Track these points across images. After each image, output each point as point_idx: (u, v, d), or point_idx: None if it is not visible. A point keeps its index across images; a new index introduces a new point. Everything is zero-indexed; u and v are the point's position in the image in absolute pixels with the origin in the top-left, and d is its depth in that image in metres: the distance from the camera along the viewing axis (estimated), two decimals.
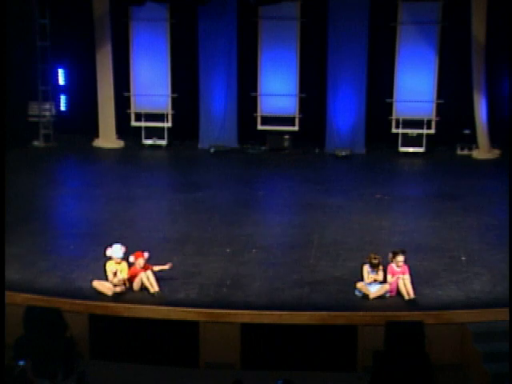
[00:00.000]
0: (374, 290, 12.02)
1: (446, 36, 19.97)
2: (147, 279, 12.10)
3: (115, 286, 12.09)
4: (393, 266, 12.12)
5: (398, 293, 12.01)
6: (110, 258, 12.28)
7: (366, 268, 12.17)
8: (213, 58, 20.55)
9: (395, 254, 12.12)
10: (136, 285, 12.19)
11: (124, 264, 12.23)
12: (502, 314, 11.34)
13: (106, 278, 12.22)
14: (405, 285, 11.93)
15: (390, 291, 12.06)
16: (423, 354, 11.20)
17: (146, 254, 12.29)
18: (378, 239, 14.30)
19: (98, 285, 12.17)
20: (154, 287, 12.08)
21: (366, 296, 12.00)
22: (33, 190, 17.37)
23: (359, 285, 12.08)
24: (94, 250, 13.56)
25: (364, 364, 11.49)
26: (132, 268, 12.23)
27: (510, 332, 10.84)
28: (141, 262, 12.19)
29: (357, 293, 12.12)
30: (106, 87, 20.85)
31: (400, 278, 11.96)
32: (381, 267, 12.16)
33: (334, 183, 18.10)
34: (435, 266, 13.11)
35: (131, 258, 12.23)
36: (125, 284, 12.18)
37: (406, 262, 12.15)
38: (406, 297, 11.88)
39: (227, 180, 18.49)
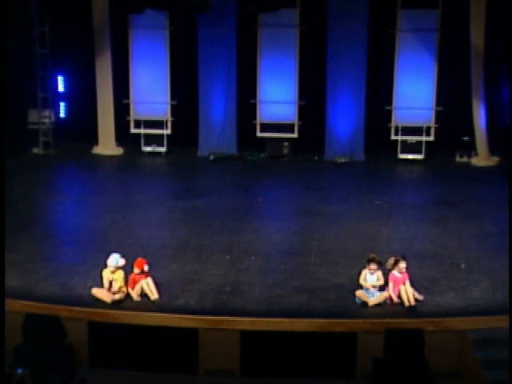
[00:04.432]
0: (373, 298, 12.02)
1: (445, 43, 20.00)
2: (147, 286, 12.10)
3: (114, 293, 12.08)
4: (394, 273, 12.10)
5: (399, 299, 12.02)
6: (107, 266, 12.27)
7: (365, 273, 12.17)
8: (212, 66, 20.59)
9: (397, 261, 12.11)
10: (136, 292, 12.16)
11: (119, 273, 12.18)
12: (501, 322, 11.34)
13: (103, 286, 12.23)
14: (406, 291, 11.91)
15: (389, 299, 12.05)
16: (423, 362, 11.16)
17: (146, 268, 12.26)
18: (377, 246, 14.27)
19: (97, 292, 12.15)
20: (153, 294, 12.07)
21: (365, 304, 12.00)
22: (32, 196, 17.37)
23: (359, 292, 12.07)
24: (93, 257, 13.55)
25: (363, 371, 11.47)
26: (132, 275, 12.21)
27: (509, 339, 10.82)
28: (136, 270, 12.18)
29: (357, 301, 12.10)
30: (105, 94, 20.87)
31: (401, 286, 11.96)
32: (380, 272, 12.15)
33: (333, 190, 18.11)
34: (435, 273, 13.10)
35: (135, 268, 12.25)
36: (123, 291, 12.16)
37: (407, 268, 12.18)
38: (407, 303, 11.87)
39: (226, 187, 18.50)
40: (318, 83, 20.58)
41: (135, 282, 12.17)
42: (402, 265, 12.06)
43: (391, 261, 12.17)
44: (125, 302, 12.09)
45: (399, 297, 12.01)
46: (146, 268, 12.22)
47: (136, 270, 12.18)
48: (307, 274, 13.22)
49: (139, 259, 12.29)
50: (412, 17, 19.98)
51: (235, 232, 15.18)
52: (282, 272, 13.28)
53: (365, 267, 12.22)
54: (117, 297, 12.06)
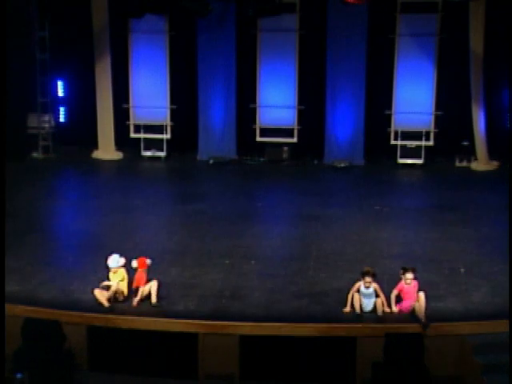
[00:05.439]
0: (369, 307, 11.92)
1: (445, 48, 20.04)
2: (151, 288, 12.07)
3: (115, 293, 12.05)
4: (403, 282, 12.00)
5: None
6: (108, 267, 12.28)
7: (358, 285, 11.98)
8: (212, 70, 20.62)
9: (405, 271, 11.95)
10: (138, 296, 12.11)
11: (120, 272, 12.19)
12: (501, 326, 11.33)
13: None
14: (420, 308, 11.72)
15: (388, 307, 11.96)
16: (422, 366, 11.16)
17: (149, 261, 12.25)
18: (376, 251, 14.29)
19: (99, 294, 12.08)
20: (154, 298, 12.03)
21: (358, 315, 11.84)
22: (32, 201, 17.38)
23: (356, 297, 11.93)
24: (92, 262, 13.54)
25: (363, 376, 11.45)
26: (137, 274, 12.18)
27: (509, 344, 10.81)
28: (141, 269, 12.16)
29: None
30: (105, 99, 20.90)
31: (416, 303, 11.77)
32: (376, 284, 12.01)
33: (332, 195, 18.11)
34: (434, 278, 13.08)
35: (134, 264, 12.21)
36: (123, 292, 12.14)
37: (415, 278, 11.96)
38: (423, 320, 11.56)
39: (226, 191, 18.51)
40: (317, 88, 20.62)
41: (141, 280, 12.11)
42: (408, 275, 11.84)
43: (401, 270, 12.07)
44: (124, 306, 12.07)
45: (413, 311, 11.86)
46: (148, 262, 12.19)
47: (141, 269, 12.16)
48: (307, 278, 13.21)
49: (140, 258, 12.25)
50: (411, 21, 20.01)
51: (235, 236, 15.18)
52: (282, 276, 13.27)
53: (360, 279, 12.09)
54: (116, 296, 12.03)
